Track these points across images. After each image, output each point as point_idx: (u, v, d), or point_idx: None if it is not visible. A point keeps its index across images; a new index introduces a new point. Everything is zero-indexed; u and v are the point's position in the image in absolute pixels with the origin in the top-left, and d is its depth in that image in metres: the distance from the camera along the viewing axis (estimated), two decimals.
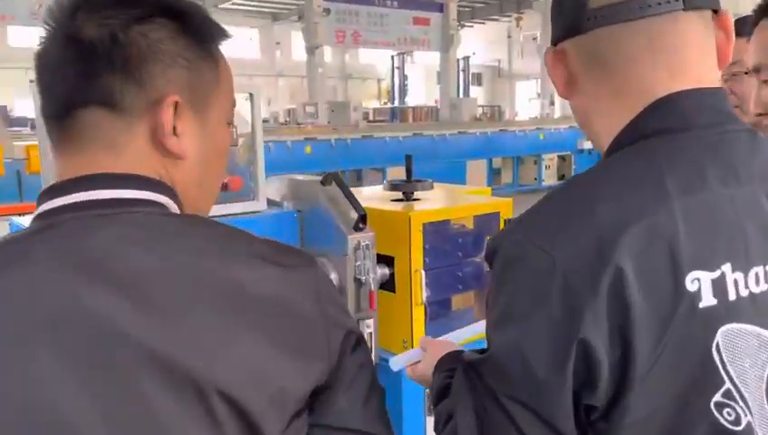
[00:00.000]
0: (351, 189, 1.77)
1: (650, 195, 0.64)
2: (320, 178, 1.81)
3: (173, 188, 0.69)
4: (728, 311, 0.64)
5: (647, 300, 0.61)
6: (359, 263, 1.70)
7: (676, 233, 0.63)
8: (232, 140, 0.80)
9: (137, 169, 0.66)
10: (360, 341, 0.71)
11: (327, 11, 15.50)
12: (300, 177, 1.90)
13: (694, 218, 0.64)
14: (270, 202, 1.91)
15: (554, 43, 0.78)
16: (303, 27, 16.26)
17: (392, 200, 2.04)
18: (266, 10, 23.92)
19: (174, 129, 0.67)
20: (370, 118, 16.65)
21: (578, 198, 0.69)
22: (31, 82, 0.93)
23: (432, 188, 2.07)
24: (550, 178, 12.03)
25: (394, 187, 2.05)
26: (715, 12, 0.73)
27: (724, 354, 0.64)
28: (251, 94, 1.74)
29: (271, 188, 1.94)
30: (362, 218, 1.70)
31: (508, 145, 11.30)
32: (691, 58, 0.71)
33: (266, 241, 0.68)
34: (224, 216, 1.69)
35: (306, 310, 0.65)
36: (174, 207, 0.68)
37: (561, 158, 12.42)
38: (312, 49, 15.62)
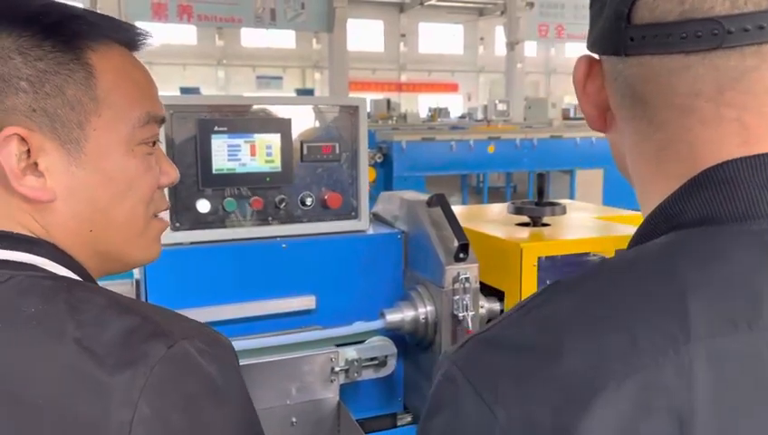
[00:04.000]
0: (482, 206, 1.59)
1: (653, 333, 0.40)
2: (426, 197, 1.66)
3: (47, 242, 0.57)
4: None
5: None
6: (457, 297, 1.52)
7: (692, 399, 0.38)
8: (167, 166, 0.68)
9: None
10: None
11: (531, 4, 15.07)
12: (408, 195, 1.76)
13: (728, 376, 0.38)
14: (381, 221, 1.80)
15: (591, 47, 0.54)
16: (505, 22, 15.97)
17: (517, 224, 1.81)
18: (472, 5, 23.94)
19: (35, 166, 0.56)
20: (572, 114, 16.00)
21: (553, 323, 0.44)
22: None
23: (564, 212, 1.81)
24: None
25: (518, 210, 1.82)
26: None
27: None
28: (357, 107, 1.64)
29: (383, 206, 1.84)
30: (463, 248, 1.51)
31: None
32: None
33: (137, 316, 0.53)
34: (322, 234, 1.62)
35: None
36: (52, 266, 0.56)
37: None
38: (512, 44, 15.30)
